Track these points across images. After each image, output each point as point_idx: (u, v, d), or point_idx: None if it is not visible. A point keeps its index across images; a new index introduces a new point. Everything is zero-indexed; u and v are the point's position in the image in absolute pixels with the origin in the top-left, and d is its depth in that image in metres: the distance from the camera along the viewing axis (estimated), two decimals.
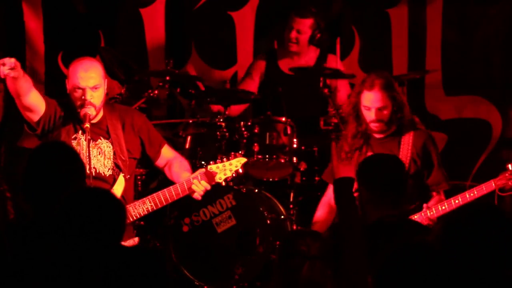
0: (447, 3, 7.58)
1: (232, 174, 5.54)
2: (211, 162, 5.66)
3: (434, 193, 5.84)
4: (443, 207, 5.56)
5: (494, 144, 7.57)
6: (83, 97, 5.54)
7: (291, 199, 6.55)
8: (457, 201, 5.56)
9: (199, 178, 5.54)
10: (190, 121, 6.74)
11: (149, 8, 7.73)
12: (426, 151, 5.82)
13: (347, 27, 7.66)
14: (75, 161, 4.09)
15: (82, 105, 5.54)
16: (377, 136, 5.85)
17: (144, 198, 5.60)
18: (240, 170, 5.55)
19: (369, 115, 5.77)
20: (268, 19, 7.59)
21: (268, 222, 6.17)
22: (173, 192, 5.59)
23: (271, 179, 6.55)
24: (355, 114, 5.83)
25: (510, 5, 7.51)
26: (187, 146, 6.63)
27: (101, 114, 5.67)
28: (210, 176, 5.51)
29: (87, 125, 5.53)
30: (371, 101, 5.74)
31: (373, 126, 5.78)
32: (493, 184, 5.54)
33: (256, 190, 6.43)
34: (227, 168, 5.54)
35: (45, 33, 7.67)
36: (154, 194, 5.59)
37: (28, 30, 7.65)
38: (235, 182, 6.43)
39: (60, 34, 7.65)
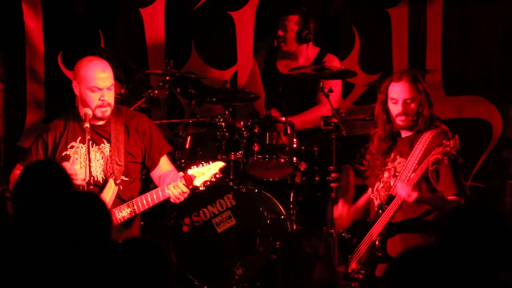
0: (447, 3, 7.57)
1: (211, 178, 5.50)
2: (191, 166, 5.63)
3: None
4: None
5: (494, 144, 7.56)
6: (101, 98, 5.56)
7: (291, 199, 6.54)
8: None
9: (177, 181, 5.53)
10: (190, 121, 6.74)
11: (149, 8, 7.73)
12: None
13: (347, 27, 7.65)
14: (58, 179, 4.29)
15: (100, 106, 5.57)
16: (404, 134, 5.69)
17: (129, 202, 5.60)
18: (218, 175, 5.50)
19: (396, 108, 5.64)
20: (268, 19, 7.58)
21: (268, 222, 6.16)
22: (154, 196, 5.58)
23: (271, 179, 6.54)
24: (383, 110, 5.70)
25: (510, 5, 7.51)
26: (187, 146, 6.62)
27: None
28: (188, 180, 5.48)
29: (87, 124, 5.53)
30: (398, 92, 5.63)
31: (399, 120, 5.63)
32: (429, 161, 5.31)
33: (256, 190, 6.43)
34: (205, 172, 5.50)
35: (45, 33, 7.67)
36: (137, 198, 5.59)
37: (28, 30, 7.65)
38: (235, 182, 6.44)
39: (60, 34, 7.66)
